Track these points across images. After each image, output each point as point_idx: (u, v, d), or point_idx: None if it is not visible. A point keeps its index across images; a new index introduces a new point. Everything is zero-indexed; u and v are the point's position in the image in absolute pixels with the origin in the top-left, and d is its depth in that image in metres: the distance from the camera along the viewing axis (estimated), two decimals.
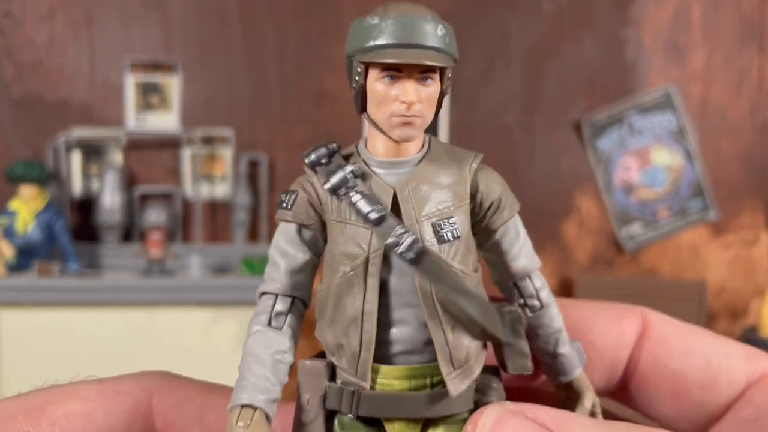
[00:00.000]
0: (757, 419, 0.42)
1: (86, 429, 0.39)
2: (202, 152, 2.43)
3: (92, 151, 2.42)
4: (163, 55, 2.46)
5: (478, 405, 0.39)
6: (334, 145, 0.41)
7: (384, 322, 0.39)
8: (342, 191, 0.39)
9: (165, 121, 2.44)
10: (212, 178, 2.48)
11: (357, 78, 0.39)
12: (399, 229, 0.38)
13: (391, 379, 0.39)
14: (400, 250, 0.37)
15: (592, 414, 0.44)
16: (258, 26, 2.48)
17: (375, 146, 0.40)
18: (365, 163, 0.40)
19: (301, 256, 0.41)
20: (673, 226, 2.69)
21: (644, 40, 2.66)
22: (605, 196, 2.67)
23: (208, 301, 2.13)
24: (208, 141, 2.45)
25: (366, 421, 0.39)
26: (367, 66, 0.39)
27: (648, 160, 2.67)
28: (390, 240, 0.37)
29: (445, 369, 0.38)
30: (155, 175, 2.48)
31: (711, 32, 2.68)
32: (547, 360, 0.44)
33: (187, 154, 2.46)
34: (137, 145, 2.45)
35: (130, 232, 2.40)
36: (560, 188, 2.66)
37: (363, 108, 0.40)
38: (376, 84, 0.39)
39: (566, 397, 0.44)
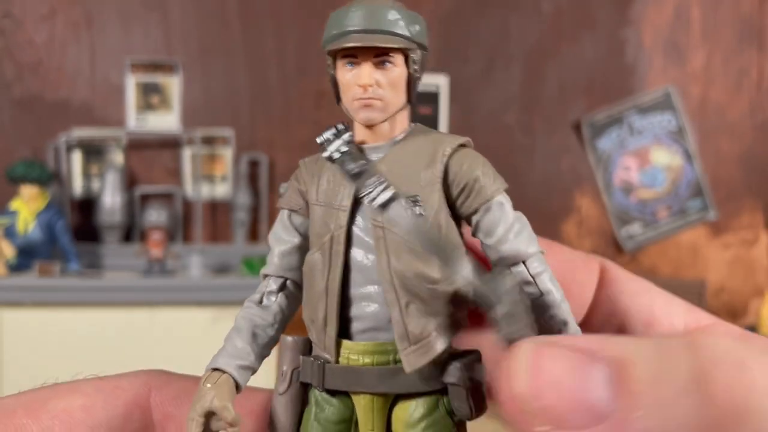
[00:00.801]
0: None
1: (86, 422, 0.39)
2: (203, 152, 2.43)
3: (93, 151, 2.43)
4: (164, 55, 2.46)
5: (446, 385, 0.39)
6: (342, 125, 0.42)
7: (350, 299, 0.40)
8: (334, 155, 0.41)
9: (165, 121, 2.44)
10: (212, 178, 2.48)
11: (329, 70, 0.41)
12: (375, 181, 0.39)
13: (355, 353, 0.40)
14: (371, 197, 0.39)
15: None
16: (258, 26, 2.49)
17: (357, 134, 0.42)
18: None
19: (291, 239, 0.43)
20: (672, 226, 2.69)
21: (644, 41, 2.67)
22: (605, 196, 2.67)
23: (208, 301, 2.13)
24: (209, 141, 2.46)
25: (338, 395, 0.41)
26: (335, 56, 0.41)
27: (647, 160, 2.68)
28: (365, 191, 0.39)
29: (400, 344, 0.38)
30: (156, 175, 2.48)
31: (710, 32, 2.68)
32: None
33: (187, 154, 2.46)
34: (138, 145, 2.46)
35: (131, 232, 2.41)
36: (560, 188, 2.66)
37: (339, 98, 0.42)
38: (341, 72, 0.41)
39: None
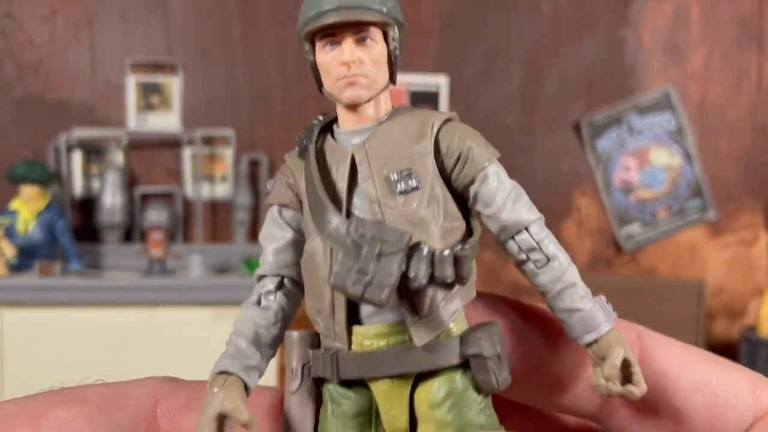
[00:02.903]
0: None
1: None
2: (203, 152, 2.44)
3: (93, 152, 2.43)
4: (164, 55, 2.47)
5: (468, 358, 0.38)
6: (319, 118, 0.42)
7: None
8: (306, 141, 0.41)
9: (166, 121, 2.44)
10: (213, 178, 2.49)
11: (308, 56, 0.40)
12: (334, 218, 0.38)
13: (368, 338, 0.38)
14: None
15: (627, 375, 0.38)
16: (258, 26, 2.49)
17: (341, 120, 0.41)
18: (333, 136, 0.41)
19: (284, 235, 0.42)
20: (671, 226, 2.69)
21: (643, 41, 2.67)
22: (604, 196, 2.67)
23: (208, 300, 2.13)
24: (209, 141, 2.46)
25: (354, 387, 0.39)
26: (313, 41, 0.40)
27: (647, 160, 2.68)
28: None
29: (409, 318, 0.37)
30: (156, 175, 2.48)
31: (710, 33, 2.69)
32: (565, 318, 0.40)
33: (187, 154, 2.47)
34: (138, 145, 2.46)
35: (131, 231, 2.41)
36: (560, 188, 2.66)
37: (320, 85, 0.41)
38: (321, 55, 0.40)
39: (597, 363, 0.40)
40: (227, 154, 2.47)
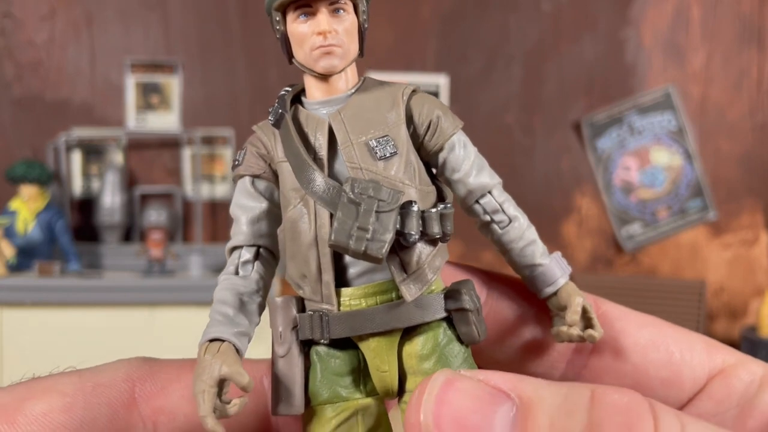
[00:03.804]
0: (717, 414, 0.41)
1: (67, 425, 0.37)
2: (203, 152, 2.44)
3: (93, 151, 2.43)
4: (164, 55, 2.46)
5: (450, 313, 0.40)
6: (287, 89, 0.43)
7: None
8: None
9: (165, 121, 2.44)
10: (212, 178, 2.49)
11: (278, 27, 0.41)
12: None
13: (356, 298, 0.40)
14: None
15: (587, 321, 0.42)
16: (258, 26, 2.49)
17: (310, 91, 0.42)
18: (303, 108, 0.42)
19: (258, 205, 0.42)
20: (672, 226, 2.69)
21: (644, 41, 2.67)
22: (605, 196, 2.67)
23: (208, 300, 2.11)
24: (209, 141, 2.46)
25: (341, 347, 0.40)
26: (285, 14, 0.41)
27: (647, 160, 2.68)
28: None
29: (398, 276, 0.39)
30: (156, 175, 2.48)
31: (710, 32, 2.68)
32: (527, 273, 0.43)
33: (187, 154, 2.46)
34: (138, 145, 2.46)
35: (131, 232, 2.41)
36: (560, 188, 2.66)
37: (290, 56, 0.42)
38: (294, 26, 0.40)
39: (556, 314, 0.43)
40: (227, 154, 2.47)
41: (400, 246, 0.38)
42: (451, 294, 0.40)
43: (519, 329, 0.45)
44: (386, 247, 0.37)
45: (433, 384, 0.31)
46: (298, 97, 0.43)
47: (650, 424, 0.28)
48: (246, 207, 0.42)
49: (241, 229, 0.42)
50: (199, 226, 2.40)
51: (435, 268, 0.40)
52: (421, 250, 0.39)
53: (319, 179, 0.39)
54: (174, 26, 2.47)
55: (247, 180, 0.43)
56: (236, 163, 0.43)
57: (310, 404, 0.40)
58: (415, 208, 0.38)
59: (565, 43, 2.64)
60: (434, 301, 0.40)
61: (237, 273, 0.42)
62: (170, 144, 2.47)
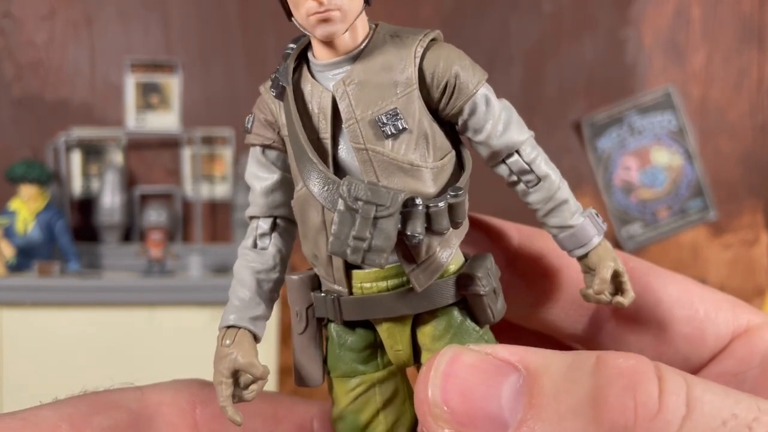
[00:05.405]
0: (738, 373, 0.41)
1: None
2: (203, 152, 2.43)
3: (92, 151, 2.43)
4: (164, 55, 2.46)
5: (465, 296, 0.38)
6: (291, 46, 0.40)
7: None
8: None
9: (165, 121, 2.44)
10: (212, 178, 2.48)
11: None
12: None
13: (368, 281, 0.38)
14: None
15: (618, 285, 0.40)
16: (258, 26, 2.48)
17: (316, 51, 0.39)
18: (309, 70, 0.39)
19: (271, 176, 0.41)
20: (672, 226, 2.69)
21: (644, 41, 2.67)
22: (605, 196, 2.67)
23: (208, 301, 2.13)
24: (209, 141, 2.46)
25: (357, 325, 0.40)
26: None
27: (648, 160, 2.68)
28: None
29: (406, 266, 0.37)
30: (155, 175, 2.48)
31: (711, 32, 2.68)
32: (556, 233, 0.41)
33: (187, 154, 2.46)
34: (137, 145, 2.46)
35: (131, 232, 2.41)
36: None
37: (289, 14, 0.39)
38: None
39: (587, 272, 0.41)
40: (227, 154, 2.47)
41: (407, 244, 0.37)
42: (464, 278, 0.38)
43: (541, 286, 0.44)
44: (385, 256, 0.35)
45: (440, 359, 0.31)
46: (305, 52, 0.40)
47: (655, 385, 0.28)
48: (258, 177, 0.41)
49: (257, 200, 0.41)
50: (199, 227, 2.40)
51: (448, 255, 0.38)
52: (430, 241, 0.37)
53: (316, 177, 0.37)
54: (174, 26, 2.47)
55: (257, 150, 0.41)
56: (247, 127, 0.41)
57: (330, 375, 0.41)
58: (419, 206, 0.36)
59: (565, 43, 2.64)
60: (446, 286, 0.38)
61: (255, 246, 0.41)
62: (170, 144, 2.47)
